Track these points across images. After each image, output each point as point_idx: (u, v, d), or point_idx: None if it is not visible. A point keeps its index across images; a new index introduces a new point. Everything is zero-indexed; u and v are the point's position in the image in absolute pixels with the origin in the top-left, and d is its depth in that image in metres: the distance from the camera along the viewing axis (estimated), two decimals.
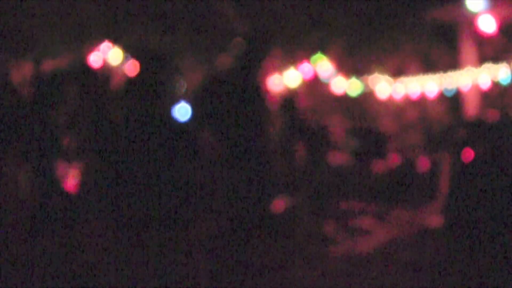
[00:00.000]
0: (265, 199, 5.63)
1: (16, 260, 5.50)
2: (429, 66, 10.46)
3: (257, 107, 5.54)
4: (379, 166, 9.59)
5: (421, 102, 10.54)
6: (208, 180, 5.03)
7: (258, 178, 5.42)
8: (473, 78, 9.25)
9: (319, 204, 8.25)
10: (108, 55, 9.03)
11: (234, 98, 5.42)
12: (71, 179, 7.52)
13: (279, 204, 6.55)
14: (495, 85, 9.13)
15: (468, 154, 6.96)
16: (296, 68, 9.87)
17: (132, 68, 9.31)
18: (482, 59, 9.38)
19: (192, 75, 8.17)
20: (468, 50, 9.41)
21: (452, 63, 9.81)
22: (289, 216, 6.92)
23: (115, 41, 9.14)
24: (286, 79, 9.80)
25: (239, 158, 5.28)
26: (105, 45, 9.05)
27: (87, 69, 8.81)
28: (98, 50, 9.00)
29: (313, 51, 9.94)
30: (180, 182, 4.51)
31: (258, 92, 5.58)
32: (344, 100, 10.58)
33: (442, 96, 10.22)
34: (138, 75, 4.63)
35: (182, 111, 6.87)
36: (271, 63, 5.96)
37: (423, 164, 9.49)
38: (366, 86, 10.45)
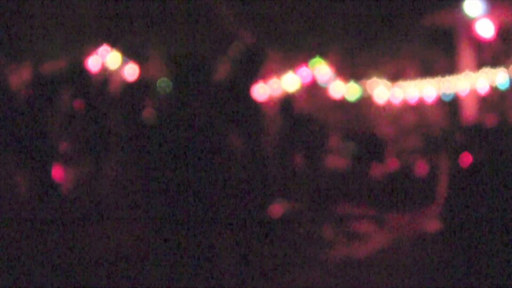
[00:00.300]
0: (262, 203, 5.64)
1: (14, 261, 5.55)
2: (427, 70, 10.50)
3: (253, 111, 5.56)
4: (377, 171, 9.61)
5: (419, 106, 10.56)
6: (208, 185, 5.06)
7: (255, 183, 5.44)
8: (471, 82, 9.29)
9: (317, 208, 8.29)
10: (106, 58, 9.05)
11: (230, 102, 5.42)
12: (68, 182, 7.56)
13: (277, 209, 6.57)
14: (493, 89, 9.15)
15: (466, 159, 6.97)
16: (294, 72, 9.88)
17: (131, 72, 9.36)
18: (480, 63, 9.42)
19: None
20: (466, 54, 9.45)
21: (450, 68, 9.85)
22: (287, 220, 6.94)
23: (114, 44, 9.16)
24: (284, 83, 9.82)
25: (235, 162, 5.30)
26: (103, 48, 9.07)
27: (85, 73, 8.84)
28: (96, 54, 9.01)
29: (311, 55, 9.96)
30: (185, 187, 4.55)
31: (255, 96, 5.60)
32: (342, 104, 10.60)
33: (440, 101, 10.25)
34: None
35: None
36: (269, 67, 5.98)
37: (421, 168, 9.52)
38: (364, 90, 10.47)
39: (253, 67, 5.52)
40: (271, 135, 8.13)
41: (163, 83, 8.72)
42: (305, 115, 9.58)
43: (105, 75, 9.03)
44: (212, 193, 4.70)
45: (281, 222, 6.73)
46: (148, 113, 7.19)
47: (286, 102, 9.49)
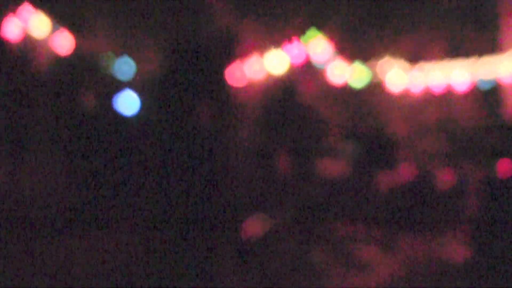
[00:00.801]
0: (236, 218, 6.00)
1: None
2: (458, 48, 10.67)
3: (226, 99, 5.81)
4: (386, 180, 9.84)
5: (446, 96, 10.76)
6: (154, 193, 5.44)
7: (227, 191, 5.76)
8: None
9: (307, 226, 8.47)
10: (29, 23, 9.29)
11: (193, 88, 5.67)
12: None
13: (254, 226, 6.93)
14: None
15: (505, 168, 7.30)
16: (282, 48, 10.12)
17: (64, 43, 9.59)
18: None
19: (145, 60, 8.45)
20: (510, 28, 9.79)
21: (489, 46, 10.15)
22: (268, 242, 7.27)
23: (40, 5, 9.36)
24: (268, 64, 10.01)
25: (198, 165, 5.57)
26: (25, 9, 9.29)
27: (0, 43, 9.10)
28: (16, 17, 9.24)
29: (304, 26, 10.15)
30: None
31: (224, 80, 5.83)
32: (345, 92, 10.71)
33: (474, 90, 10.51)
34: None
35: (128, 102, 7.34)
36: (248, 41, 6.24)
37: (445, 178, 9.77)
38: (374, 74, 10.65)
39: (227, 44, 5.82)
40: (249, 131, 8.37)
41: (108, 59, 9.11)
42: (294, 105, 9.79)
43: (28, 46, 9.29)
44: (167, 201, 5.09)
45: (259, 243, 7.05)
46: (87, 98, 7.64)
47: (270, 88, 9.74)
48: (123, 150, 5.67)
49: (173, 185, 4.92)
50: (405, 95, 10.76)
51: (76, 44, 9.32)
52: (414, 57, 10.74)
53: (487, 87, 10.39)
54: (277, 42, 10.07)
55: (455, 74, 10.42)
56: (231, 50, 5.82)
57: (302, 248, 7.75)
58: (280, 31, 10.17)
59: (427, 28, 10.87)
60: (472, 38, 10.69)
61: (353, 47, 10.58)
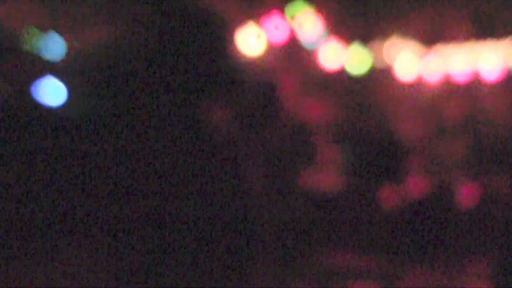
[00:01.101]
0: (199, 242, 6.03)
1: None
2: (486, 27, 10.77)
3: (185, 92, 5.85)
4: (391, 196, 9.89)
5: (470, 88, 10.84)
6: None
7: (187, 207, 5.79)
8: None
9: (290, 255, 8.50)
10: None
11: (145, 78, 5.70)
12: None
13: (226, 253, 6.94)
14: None
15: None
16: (259, 24, 10.11)
17: None
18: None
19: (78, 38, 8.48)
20: None
21: None
22: (241, 273, 7.29)
23: None
24: (241, 43, 10.04)
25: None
26: None
27: None
28: None
29: None
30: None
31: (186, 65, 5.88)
32: (340, 81, 10.77)
33: (507, 79, 10.59)
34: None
35: (53, 90, 7.36)
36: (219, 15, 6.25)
37: (467, 194, 9.84)
38: (378, 58, 10.71)
39: (192, 19, 5.82)
40: (215, 132, 8.40)
41: (30, 36, 9.13)
42: (273, 98, 9.83)
43: None
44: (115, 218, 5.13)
45: (231, 276, 7.07)
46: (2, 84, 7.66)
47: (242, 75, 9.78)
48: (49, 148, 5.71)
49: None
50: (418, 86, 10.85)
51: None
52: (430, 38, 10.82)
53: None
54: (253, 15, 10.11)
55: (482, 59, 10.46)
56: (196, 27, 5.83)
57: (283, 280, 7.78)
58: (257, 2, 10.19)
59: (445, 3, 10.97)
60: (502, 14, 10.75)
61: (351, 24, 10.62)
